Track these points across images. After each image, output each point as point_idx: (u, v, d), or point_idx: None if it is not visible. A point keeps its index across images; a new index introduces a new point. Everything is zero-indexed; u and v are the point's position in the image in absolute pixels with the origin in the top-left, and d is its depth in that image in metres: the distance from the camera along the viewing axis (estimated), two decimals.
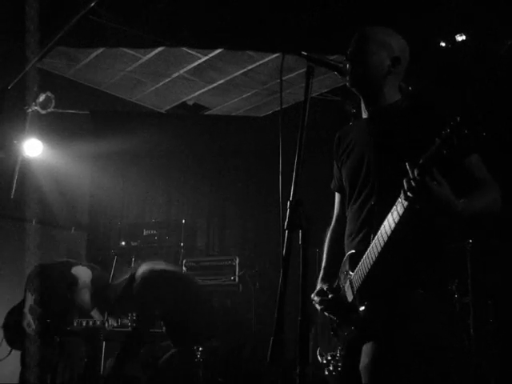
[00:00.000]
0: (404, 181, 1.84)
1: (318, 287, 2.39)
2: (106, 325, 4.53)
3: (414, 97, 2.30)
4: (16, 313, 4.87)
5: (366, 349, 2.09)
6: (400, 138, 2.15)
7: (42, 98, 6.27)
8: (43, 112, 6.31)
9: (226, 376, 4.86)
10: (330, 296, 2.30)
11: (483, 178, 2.08)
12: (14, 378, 4.74)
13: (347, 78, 2.24)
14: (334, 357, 2.29)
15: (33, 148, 6.40)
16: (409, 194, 1.83)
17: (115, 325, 4.44)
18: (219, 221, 7.19)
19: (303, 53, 2.02)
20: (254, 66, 6.27)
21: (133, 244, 6.24)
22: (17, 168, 6.25)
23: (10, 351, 4.83)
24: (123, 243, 6.26)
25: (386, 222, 2.00)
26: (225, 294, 5.66)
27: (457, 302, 4.55)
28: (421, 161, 1.80)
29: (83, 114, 7.06)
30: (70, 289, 4.77)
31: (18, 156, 6.32)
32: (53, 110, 6.34)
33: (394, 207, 1.95)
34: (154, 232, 6.26)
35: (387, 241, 1.98)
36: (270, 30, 5.40)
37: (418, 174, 1.80)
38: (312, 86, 2.01)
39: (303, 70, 2.02)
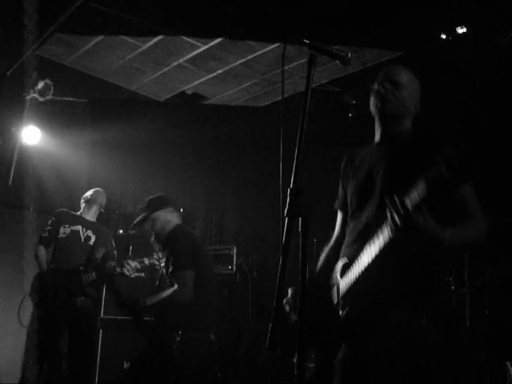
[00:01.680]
0: (389, 215, 1.96)
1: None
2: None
3: (424, 130, 2.43)
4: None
5: (341, 351, 2.18)
6: (407, 160, 2.25)
7: (40, 85, 6.24)
8: (42, 99, 6.29)
9: (222, 365, 4.87)
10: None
11: (473, 209, 2.18)
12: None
13: (379, 103, 2.36)
14: (306, 359, 2.36)
15: (31, 135, 6.39)
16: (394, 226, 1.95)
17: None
18: (217, 210, 7.19)
19: (305, 41, 2.00)
20: (253, 55, 6.24)
21: (130, 233, 6.22)
22: (15, 155, 6.24)
23: (24, 297, 4.93)
24: (121, 231, 6.25)
25: (372, 246, 2.09)
26: (222, 283, 5.66)
27: (453, 294, 4.57)
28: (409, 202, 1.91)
29: (82, 102, 7.04)
30: None
31: (16, 143, 6.30)
32: (51, 97, 6.32)
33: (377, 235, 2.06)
34: None
35: (374, 259, 2.07)
36: (271, 20, 5.37)
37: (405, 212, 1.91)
38: (313, 75, 2.01)
39: (303, 60, 2.02)
